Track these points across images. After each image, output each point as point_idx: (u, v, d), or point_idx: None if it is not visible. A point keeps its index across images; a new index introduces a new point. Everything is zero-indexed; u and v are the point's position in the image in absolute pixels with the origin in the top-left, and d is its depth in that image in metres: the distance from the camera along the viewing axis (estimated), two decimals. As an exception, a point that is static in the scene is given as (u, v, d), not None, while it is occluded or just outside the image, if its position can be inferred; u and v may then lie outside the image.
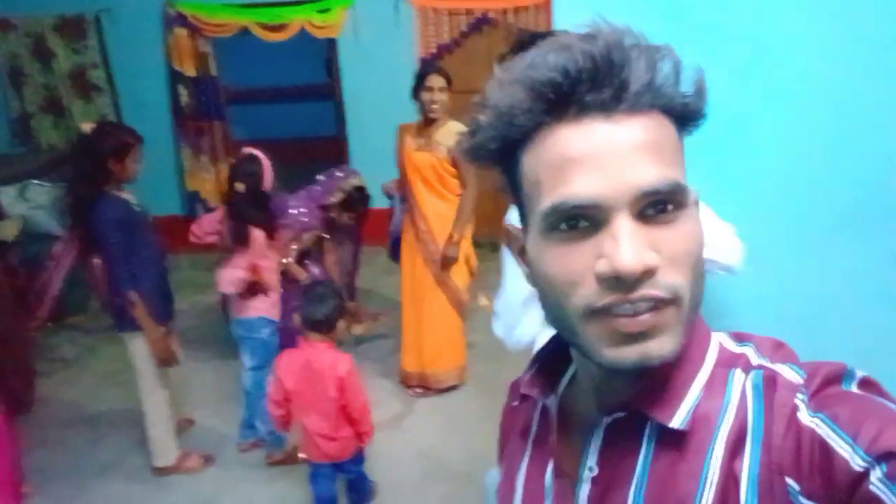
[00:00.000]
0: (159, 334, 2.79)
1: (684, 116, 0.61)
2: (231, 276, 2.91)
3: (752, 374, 0.60)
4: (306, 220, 3.38)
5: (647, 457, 0.62)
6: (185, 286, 4.38)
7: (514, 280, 1.70)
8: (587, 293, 0.57)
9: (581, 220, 0.57)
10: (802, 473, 0.54)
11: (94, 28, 5.10)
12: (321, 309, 2.36)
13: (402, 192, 3.48)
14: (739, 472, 0.56)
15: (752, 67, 1.76)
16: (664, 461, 0.60)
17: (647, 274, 0.55)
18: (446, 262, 3.33)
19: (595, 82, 0.56)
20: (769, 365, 0.61)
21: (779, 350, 0.63)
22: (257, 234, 2.91)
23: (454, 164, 3.28)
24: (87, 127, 2.79)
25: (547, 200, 0.58)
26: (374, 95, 5.19)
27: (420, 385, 3.56)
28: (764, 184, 1.81)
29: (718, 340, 0.65)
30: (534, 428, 0.75)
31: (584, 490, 0.65)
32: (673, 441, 0.60)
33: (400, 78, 5.14)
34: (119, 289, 2.68)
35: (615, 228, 0.56)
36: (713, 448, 0.58)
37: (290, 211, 3.28)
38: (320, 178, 3.61)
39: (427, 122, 3.27)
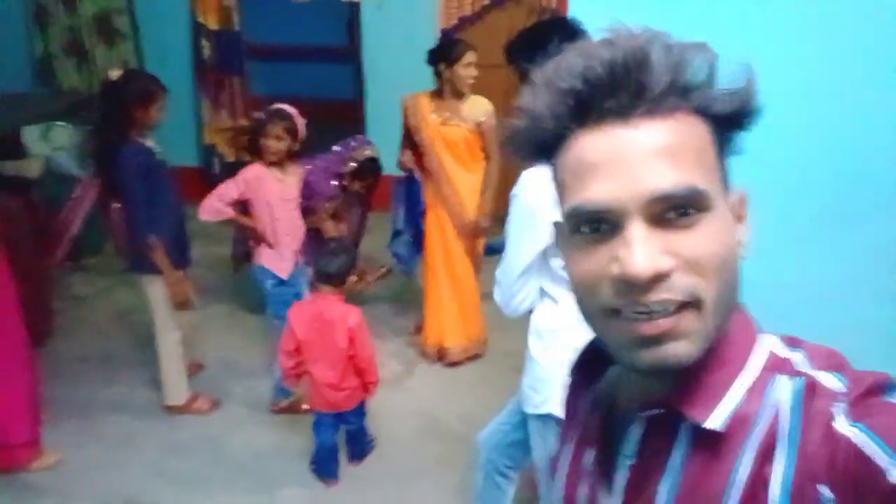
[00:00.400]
0: (177, 277, 2.92)
1: (725, 115, 0.61)
2: (210, 204, 2.99)
3: (794, 380, 0.60)
4: (327, 190, 3.49)
5: (682, 452, 0.63)
6: (197, 236, 4.44)
7: (514, 250, 1.74)
8: (604, 295, 0.59)
9: (602, 224, 0.59)
10: (837, 482, 0.53)
11: (121, -26, 5.14)
12: (334, 262, 2.49)
13: (420, 166, 3.49)
14: (769, 477, 0.57)
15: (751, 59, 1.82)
16: (699, 458, 0.62)
17: (659, 278, 0.56)
18: (479, 232, 3.41)
19: (612, 88, 0.58)
20: (811, 372, 0.60)
21: (830, 358, 0.62)
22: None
23: (480, 137, 3.36)
24: (114, 74, 2.87)
25: (567, 204, 0.61)
26: (393, 62, 5.23)
27: (446, 356, 3.57)
28: (753, 175, 1.89)
29: (770, 344, 0.65)
30: (583, 412, 0.77)
31: (621, 476, 0.68)
32: (709, 440, 0.61)
33: (420, 46, 5.18)
34: (139, 232, 2.80)
35: (628, 233, 0.57)
36: (745, 451, 0.59)
37: (308, 178, 3.35)
38: (336, 148, 3.71)
39: (454, 95, 3.28)
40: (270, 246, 3.07)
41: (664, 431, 0.64)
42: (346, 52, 6.28)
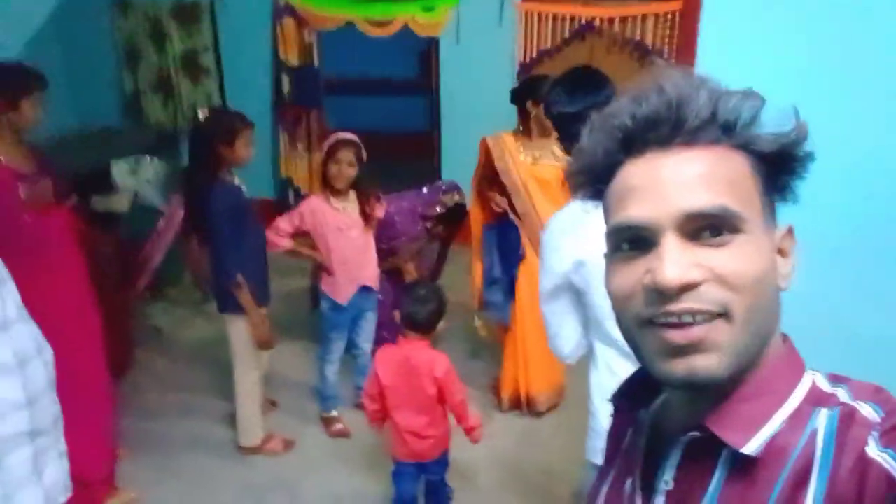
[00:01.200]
0: (261, 318, 2.88)
1: (768, 155, 0.65)
2: (268, 237, 3.00)
3: (833, 409, 0.62)
4: (413, 232, 3.46)
5: (720, 479, 0.64)
6: (271, 269, 4.50)
7: (539, 282, 1.77)
8: (637, 304, 0.63)
9: (640, 242, 0.64)
10: None
11: (208, 14, 5.30)
12: (423, 310, 2.38)
13: (512, 209, 3.24)
14: (800, 501, 0.58)
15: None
16: (736, 486, 0.62)
17: (688, 287, 0.60)
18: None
19: (655, 122, 0.64)
20: (850, 402, 0.62)
21: (872, 392, 0.63)
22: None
23: None
24: (201, 113, 2.88)
25: (610, 223, 0.67)
26: (470, 95, 5.21)
27: (532, 406, 3.41)
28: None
29: (812, 378, 0.67)
30: (627, 438, 0.79)
31: (658, 502, 0.69)
32: (747, 468, 0.62)
33: (498, 80, 5.15)
34: (226, 272, 2.77)
35: (661, 246, 0.61)
36: (782, 478, 0.60)
37: (394, 219, 3.33)
38: (424, 190, 3.69)
39: (543, 133, 3.11)
40: (329, 273, 3.09)
41: (702, 458, 0.65)
42: (421, 85, 6.31)
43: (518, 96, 3.19)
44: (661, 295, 0.60)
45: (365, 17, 5.06)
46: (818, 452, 0.59)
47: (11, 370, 1.35)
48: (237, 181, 2.86)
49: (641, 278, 0.63)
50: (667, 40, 4.86)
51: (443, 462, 2.64)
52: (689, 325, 0.60)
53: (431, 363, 2.38)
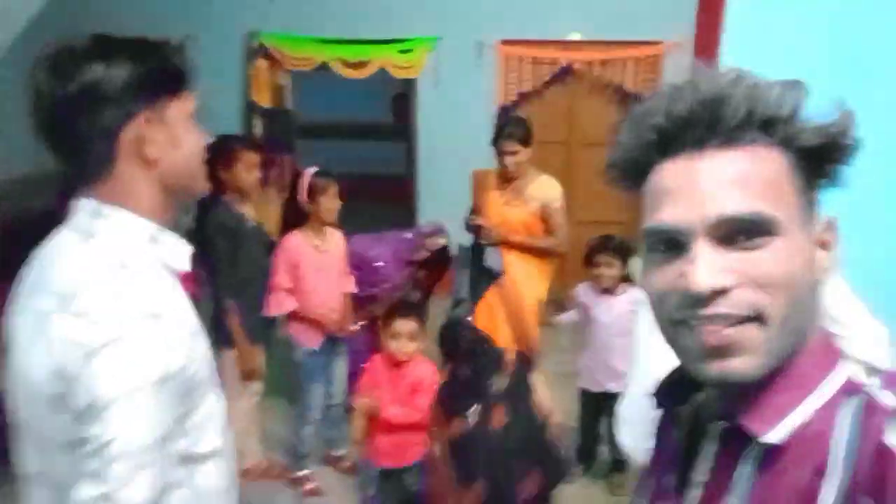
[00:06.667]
0: (249, 347, 2.67)
1: (811, 149, 0.62)
2: (276, 300, 2.81)
3: (857, 397, 0.61)
4: (398, 280, 3.26)
5: (751, 470, 0.63)
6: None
7: (647, 365, 1.35)
8: (671, 305, 0.63)
9: (675, 244, 0.63)
10: (883, 494, 0.55)
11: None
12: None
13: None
14: (821, 489, 0.58)
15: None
16: (767, 476, 0.62)
17: (719, 293, 0.59)
18: (487, 235, 3.08)
19: (691, 122, 0.62)
20: (875, 391, 0.61)
21: None
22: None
23: (544, 220, 3.08)
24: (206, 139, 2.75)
25: (645, 224, 0.66)
26: (449, 138, 5.08)
27: None
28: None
29: (849, 370, 0.65)
30: (670, 436, 0.79)
31: (693, 494, 0.69)
32: (776, 458, 0.62)
33: (477, 122, 5.04)
34: (218, 298, 2.59)
35: (693, 251, 0.61)
36: (809, 468, 0.59)
37: (376, 264, 3.14)
38: (408, 234, 3.50)
39: (518, 175, 3.06)
40: (326, 324, 2.89)
41: (735, 449, 0.65)
42: (396, 128, 6.19)
43: (493, 138, 3.11)
44: (693, 299, 0.60)
45: (340, 59, 4.95)
46: (840, 442, 0.59)
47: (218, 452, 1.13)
48: (244, 210, 2.70)
49: (675, 281, 0.62)
50: (647, 84, 4.82)
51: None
52: (720, 325, 0.60)
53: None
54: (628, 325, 2.55)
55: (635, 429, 1.33)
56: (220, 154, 2.59)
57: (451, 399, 2.44)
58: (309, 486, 3.05)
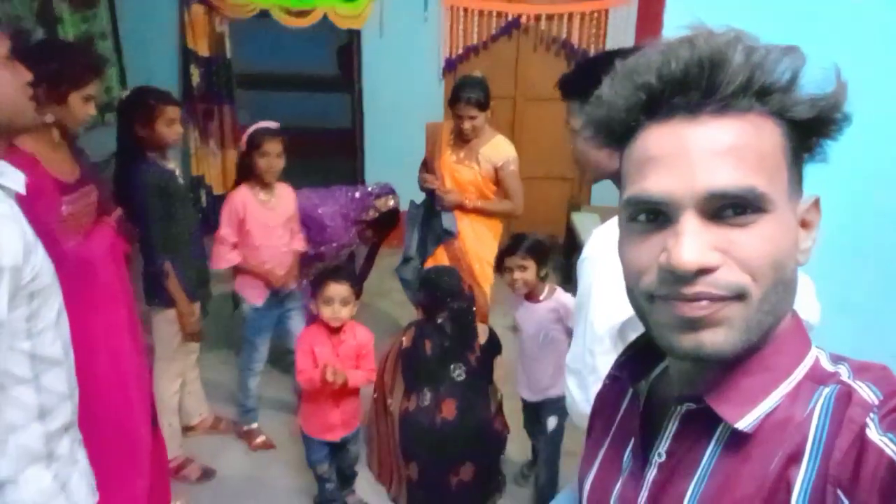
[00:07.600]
0: (190, 307, 2.61)
1: (804, 121, 0.59)
2: (219, 253, 2.80)
3: (830, 387, 0.59)
4: (345, 239, 3.23)
5: (713, 453, 0.62)
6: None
7: (601, 308, 1.27)
8: (650, 281, 0.60)
9: (659, 215, 0.60)
10: (859, 489, 0.53)
11: (106, -4, 4.84)
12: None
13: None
14: (793, 480, 0.56)
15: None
16: (729, 461, 0.61)
17: (704, 272, 0.57)
18: (442, 201, 3.09)
19: (684, 85, 0.58)
20: (848, 381, 0.59)
21: (874, 372, 0.60)
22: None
23: (496, 182, 3.08)
24: (123, 94, 2.62)
25: (626, 193, 0.63)
26: (395, 91, 5.01)
27: None
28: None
29: (816, 356, 0.64)
30: (621, 410, 0.77)
31: (651, 474, 0.67)
32: (741, 443, 0.60)
33: (423, 76, 4.99)
34: (152, 259, 2.50)
35: (680, 225, 0.58)
36: (777, 456, 0.58)
37: (326, 223, 3.09)
38: (356, 194, 3.44)
39: (473, 134, 3.03)
40: (272, 279, 2.87)
41: (697, 430, 0.64)
42: (342, 81, 6.04)
43: (451, 99, 3.05)
44: (676, 276, 0.57)
45: (281, 6, 4.76)
46: (813, 431, 0.57)
47: (60, 362, 1.30)
48: (171, 165, 2.58)
49: (657, 255, 0.59)
50: (593, 39, 4.84)
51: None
52: (703, 304, 0.58)
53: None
54: (553, 335, 2.44)
55: (583, 379, 1.31)
56: (135, 109, 2.46)
57: (415, 368, 2.45)
58: (258, 439, 3.07)
